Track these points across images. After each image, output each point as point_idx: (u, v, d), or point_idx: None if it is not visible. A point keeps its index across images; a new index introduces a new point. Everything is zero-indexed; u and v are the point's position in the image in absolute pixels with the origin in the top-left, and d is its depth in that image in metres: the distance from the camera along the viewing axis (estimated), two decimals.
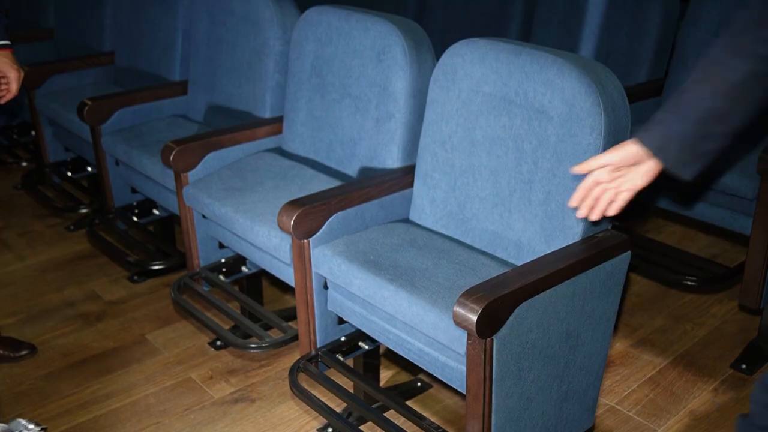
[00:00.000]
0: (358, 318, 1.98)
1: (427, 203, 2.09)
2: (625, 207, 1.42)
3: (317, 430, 2.10)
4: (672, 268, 2.50)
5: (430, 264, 1.87)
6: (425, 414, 1.93)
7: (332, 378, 2.04)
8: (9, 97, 2.22)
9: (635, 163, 1.40)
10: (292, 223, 1.93)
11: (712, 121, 1.27)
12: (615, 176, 1.44)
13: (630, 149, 1.38)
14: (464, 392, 1.66)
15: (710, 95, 1.24)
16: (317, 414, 2.05)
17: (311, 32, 2.41)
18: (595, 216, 1.47)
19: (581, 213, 1.48)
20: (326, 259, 1.95)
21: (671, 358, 2.40)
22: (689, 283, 2.42)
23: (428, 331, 1.70)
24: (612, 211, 1.46)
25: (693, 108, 1.27)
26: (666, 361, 2.38)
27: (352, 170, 2.34)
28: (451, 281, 1.79)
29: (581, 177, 1.48)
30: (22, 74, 2.22)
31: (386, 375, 2.30)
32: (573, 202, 1.49)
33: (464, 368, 1.64)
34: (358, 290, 1.87)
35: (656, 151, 1.35)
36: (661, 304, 2.68)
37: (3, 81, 2.22)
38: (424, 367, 1.83)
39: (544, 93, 1.79)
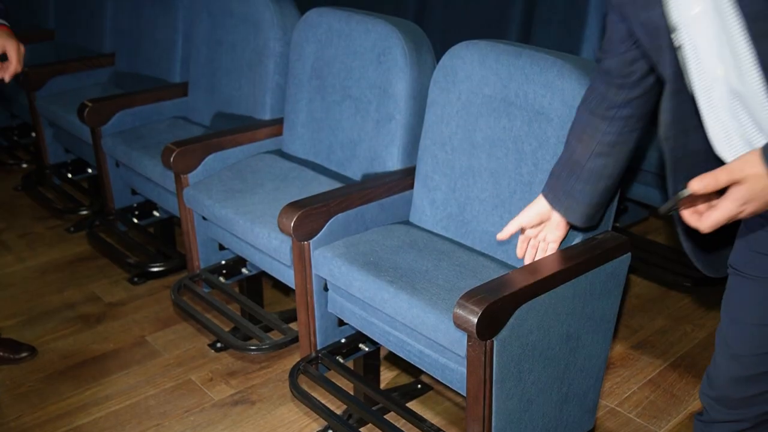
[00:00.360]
0: (358, 320, 1.97)
1: (427, 205, 2.09)
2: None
3: None
4: (672, 269, 2.50)
5: (431, 266, 1.86)
6: (425, 416, 1.93)
7: (332, 380, 2.03)
8: (12, 71, 2.12)
9: (546, 220, 1.66)
10: (292, 224, 1.93)
11: (603, 178, 1.52)
12: (538, 230, 1.70)
13: (538, 209, 1.65)
14: (465, 394, 1.66)
15: (594, 156, 1.49)
16: (317, 416, 2.05)
17: (311, 34, 2.41)
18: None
19: (527, 261, 1.73)
20: (326, 260, 1.95)
21: (672, 359, 2.39)
22: (689, 284, 2.41)
23: (428, 333, 1.70)
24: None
25: (587, 170, 1.51)
26: (666, 363, 2.38)
27: (352, 172, 2.33)
28: (451, 283, 1.78)
29: None
30: (23, 49, 2.16)
31: (386, 377, 2.30)
32: (518, 255, 1.74)
33: (464, 370, 1.64)
34: (358, 292, 1.87)
35: (564, 212, 1.61)
36: (661, 306, 2.68)
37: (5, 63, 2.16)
38: (424, 369, 1.83)
39: (544, 95, 1.79)
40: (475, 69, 1.95)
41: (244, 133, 2.54)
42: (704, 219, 1.03)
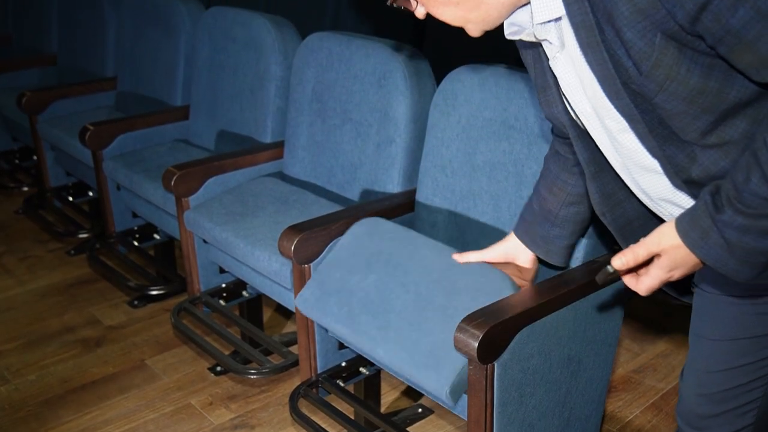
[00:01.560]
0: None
1: (427, 228, 2.09)
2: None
3: None
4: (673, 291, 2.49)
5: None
6: None
7: (333, 404, 2.02)
8: None
9: (511, 260, 1.68)
10: (292, 248, 1.93)
11: (578, 223, 1.57)
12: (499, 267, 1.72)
13: (506, 249, 1.68)
14: (466, 418, 1.65)
15: (566, 206, 1.52)
16: None
17: (312, 58, 2.43)
18: None
19: None
20: None
21: (674, 383, 2.38)
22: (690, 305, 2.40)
23: (430, 390, 1.69)
24: None
25: (561, 218, 1.54)
26: (669, 387, 2.37)
27: (352, 194, 2.34)
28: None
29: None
30: None
31: (387, 400, 2.28)
32: None
33: (465, 394, 1.63)
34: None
35: (544, 256, 1.63)
36: (662, 329, 2.67)
37: None
38: (425, 393, 1.82)
39: (543, 118, 1.80)
40: (475, 92, 1.96)
41: (245, 157, 2.55)
42: (640, 285, 1.10)
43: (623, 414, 2.24)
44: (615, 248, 1.84)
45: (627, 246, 1.28)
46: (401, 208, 2.15)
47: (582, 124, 1.19)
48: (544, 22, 1.06)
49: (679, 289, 1.37)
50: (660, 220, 1.25)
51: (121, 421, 2.22)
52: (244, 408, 2.28)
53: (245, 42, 2.68)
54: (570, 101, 1.16)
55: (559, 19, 1.05)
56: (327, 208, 2.26)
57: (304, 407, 2.03)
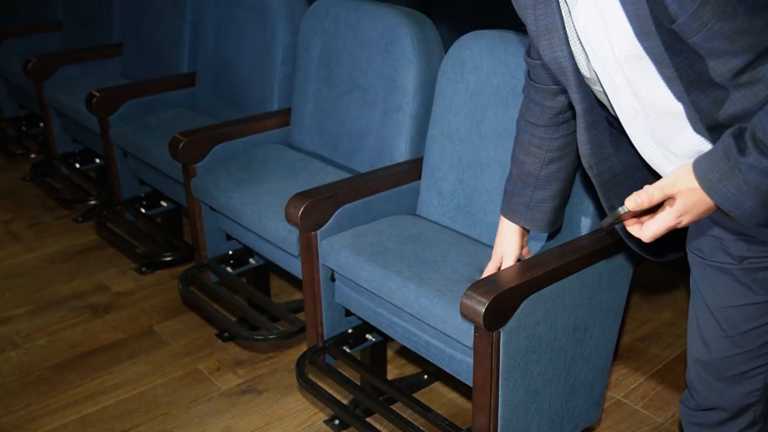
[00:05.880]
0: (365, 310, 1.98)
1: (434, 196, 2.08)
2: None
3: (324, 421, 2.10)
4: (679, 261, 2.49)
5: (438, 257, 1.86)
6: (432, 406, 1.93)
7: (339, 370, 2.04)
8: None
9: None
10: (299, 215, 1.93)
11: (560, 181, 1.55)
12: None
13: (512, 235, 1.65)
14: (471, 385, 1.66)
15: (546, 164, 1.51)
16: (324, 406, 2.06)
17: (319, 24, 2.41)
18: None
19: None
20: (333, 251, 1.95)
21: (678, 351, 2.39)
22: None
23: (436, 323, 1.70)
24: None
25: (542, 178, 1.53)
26: (673, 355, 2.38)
27: (359, 163, 2.33)
28: (459, 274, 1.78)
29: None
30: None
31: (393, 367, 2.30)
32: None
33: (471, 361, 1.64)
34: (365, 282, 1.87)
35: (529, 224, 1.61)
36: (668, 298, 2.68)
37: None
38: (431, 360, 1.84)
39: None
40: (484, 59, 1.94)
41: (252, 124, 2.54)
42: (644, 229, 1.08)
43: (628, 382, 2.26)
44: None
45: (608, 202, 1.30)
46: (408, 175, 2.14)
47: (589, 70, 1.16)
48: None
49: (656, 252, 1.36)
50: (650, 172, 1.24)
51: (129, 386, 2.25)
52: (252, 373, 2.30)
53: (251, 7, 2.66)
54: (585, 44, 1.12)
55: None
56: (334, 175, 2.25)
57: (311, 373, 2.05)
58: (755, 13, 0.93)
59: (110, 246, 3.00)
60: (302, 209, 1.93)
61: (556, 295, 1.63)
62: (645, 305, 2.64)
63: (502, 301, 1.52)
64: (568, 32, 1.15)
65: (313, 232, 1.98)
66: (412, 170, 2.15)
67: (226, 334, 2.45)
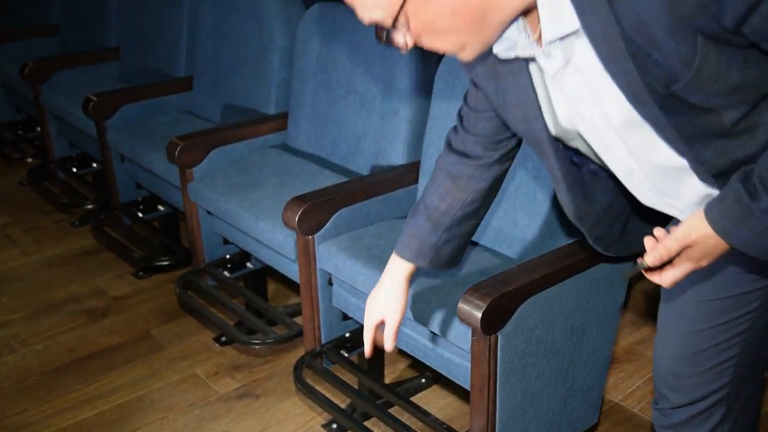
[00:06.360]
0: (363, 314, 1.97)
1: None
2: None
3: (322, 425, 2.10)
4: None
5: None
6: (430, 410, 1.93)
7: (337, 374, 2.04)
8: None
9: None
10: (296, 219, 1.93)
11: (476, 218, 1.48)
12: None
13: (402, 284, 1.51)
14: (469, 388, 1.66)
15: (467, 204, 1.43)
16: (322, 410, 2.05)
17: (316, 28, 2.41)
18: None
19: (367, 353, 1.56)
20: (331, 255, 1.95)
21: None
22: None
23: (433, 327, 1.70)
24: None
25: (460, 218, 1.45)
26: None
27: (356, 166, 2.33)
28: (456, 278, 1.78)
29: None
30: None
31: (391, 371, 2.30)
32: (368, 353, 1.55)
33: (469, 365, 1.64)
34: (362, 286, 1.87)
35: (431, 264, 1.48)
36: None
37: None
38: (428, 364, 1.84)
39: None
40: None
41: (249, 128, 2.54)
42: (665, 276, 1.09)
43: (625, 385, 2.26)
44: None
45: (592, 238, 1.32)
46: (405, 179, 2.15)
47: (560, 129, 1.15)
48: (555, 40, 1.00)
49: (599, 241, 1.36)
50: (628, 199, 1.24)
51: (127, 390, 2.24)
52: (249, 378, 2.30)
53: (249, 11, 2.66)
54: (572, 112, 1.11)
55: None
56: (331, 179, 2.25)
57: (309, 377, 2.05)
58: (747, 67, 0.94)
59: (107, 250, 3.00)
60: (299, 213, 1.93)
61: (553, 298, 1.63)
62: (642, 308, 2.64)
63: (500, 304, 1.52)
64: (540, 101, 1.13)
65: (310, 236, 1.98)
66: (409, 174, 2.15)
67: (223, 338, 2.45)
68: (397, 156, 2.22)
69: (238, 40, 2.71)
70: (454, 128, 1.41)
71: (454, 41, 1.01)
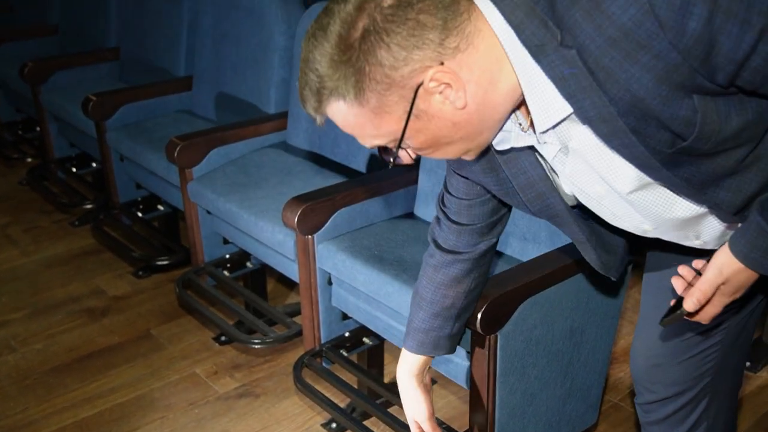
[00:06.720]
0: (363, 314, 1.98)
1: (432, 198, 2.09)
2: None
3: (321, 425, 2.10)
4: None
5: None
6: None
7: (336, 373, 2.04)
8: None
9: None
10: (296, 219, 1.93)
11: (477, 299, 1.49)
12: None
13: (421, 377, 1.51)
14: (468, 388, 1.66)
15: (467, 293, 1.44)
16: (321, 409, 2.06)
17: None
18: None
19: None
20: (331, 254, 1.95)
21: None
22: None
23: None
24: None
25: (466, 306, 1.46)
26: None
27: (357, 165, 2.34)
28: None
29: None
30: None
31: (390, 370, 2.30)
32: None
33: (468, 364, 1.64)
34: (362, 286, 1.87)
35: (446, 351, 1.49)
36: None
37: None
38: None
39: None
40: None
41: (249, 127, 2.55)
42: (704, 315, 1.11)
43: (624, 385, 2.26)
44: None
45: (616, 276, 1.33)
46: (406, 178, 2.15)
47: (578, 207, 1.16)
48: (548, 129, 1.00)
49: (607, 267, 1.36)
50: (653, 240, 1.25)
51: (127, 390, 2.24)
52: (249, 377, 2.30)
53: (248, 11, 2.66)
54: (576, 191, 1.12)
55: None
56: (331, 179, 2.25)
57: (308, 377, 2.05)
58: (745, 109, 0.94)
59: (107, 250, 3.00)
60: (299, 213, 1.93)
61: (553, 298, 1.63)
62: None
63: (499, 304, 1.52)
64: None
65: (309, 236, 1.99)
66: (409, 173, 2.15)
67: (223, 338, 2.45)
68: None
69: (238, 40, 2.72)
70: (437, 221, 1.38)
71: (457, 149, 1.02)
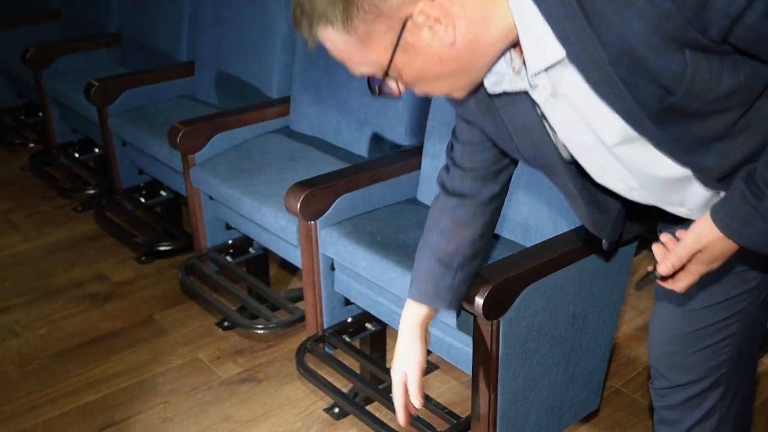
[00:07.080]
0: (365, 299, 1.98)
1: (434, 186, 2.08)
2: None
3: (324, 409, 2.11)
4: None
5: None
6: (431, 395, 1.94)
7: (339, 359, 2.04)
8: None
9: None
10: (299, 204, 1.93)
11: (483, 254, 1.46)
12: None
13: (421, 332, 1.47)
14: (470, 374, 1.67)
15: (476, 240, 1.41)
16: (324, 394, 2.06)
17: None
18: None
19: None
20: (333, 240, 1.95)
21: None
22: None
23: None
24: None
25: (472, 254, 1.43)
26: None
27: (360, 150, 2.33)
28: None
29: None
30: None
31: (393, 356, 2.30)
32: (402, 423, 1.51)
33: (470, 350, 1.64)
34: (365, 271, 1.87)
35: (448, 306, 1.45)
36: None
37: None
38: (430, 349, 1.84)
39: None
40: None
41: (251, 113, 2.54)
42: (678, 282, 1.11)
43: (627, 371, 2.26)
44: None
45: (609, 241, 1.31)
46: (408, 164, 2.14)
47: (572, 157, 1.15)
48: (540, 72, 0.99)
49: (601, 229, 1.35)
50: (646, 209, 1.24)
51: (130, 375, 2.25)
52: (251, 362, 2.30)
53: None
54: (565, 140, 1.11)
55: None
56: (333, 164, 2.25)
57: (311, 362, 2.06)
58: (737, 71, 0.94)
59: (109, 235, 3.00)
60: (302, 199, 1.93)
61: (555, 284, 1.63)
62: (644, 294, 2.64)
63: (502, 290, 1.52)
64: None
65: (312, 222, 1.98)
66: (412, 158, 2.15)
67: (225, 323, 2.45)
68: (400, 140, 2.21)
69: (240, 25, 2.70)
70: (446, 168, 1.38)
71: (445, 86, 1.03)
